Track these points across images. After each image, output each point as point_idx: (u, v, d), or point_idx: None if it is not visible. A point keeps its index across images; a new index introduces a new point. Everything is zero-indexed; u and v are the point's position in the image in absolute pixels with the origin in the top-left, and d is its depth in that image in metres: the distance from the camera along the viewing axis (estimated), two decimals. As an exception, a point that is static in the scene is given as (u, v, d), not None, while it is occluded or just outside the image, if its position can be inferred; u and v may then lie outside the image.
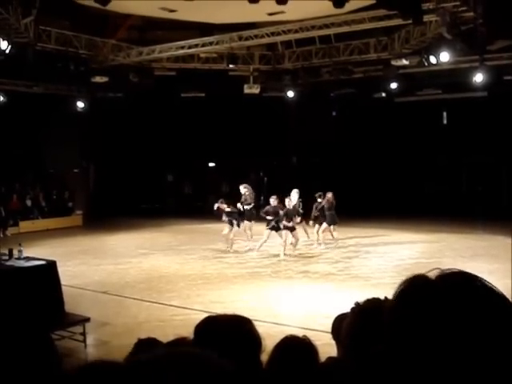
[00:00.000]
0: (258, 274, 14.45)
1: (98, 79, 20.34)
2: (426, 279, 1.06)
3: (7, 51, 14.06)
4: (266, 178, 30.26)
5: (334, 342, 3.10)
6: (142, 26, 19.75)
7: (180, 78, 21.83)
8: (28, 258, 9.68)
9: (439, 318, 0.97)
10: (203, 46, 18.39)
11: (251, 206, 17.89)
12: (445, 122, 27.21)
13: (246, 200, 17.86)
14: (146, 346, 3.06)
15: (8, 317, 7.52)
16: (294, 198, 16.97)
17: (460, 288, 1.01)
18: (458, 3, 13.77)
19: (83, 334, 8.75)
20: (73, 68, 19.10)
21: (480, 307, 0.98)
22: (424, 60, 16.73)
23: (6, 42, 13.74)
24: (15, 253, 9.63)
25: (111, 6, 15.07)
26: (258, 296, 12.07)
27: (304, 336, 2.85)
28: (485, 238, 18.79)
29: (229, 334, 2.13)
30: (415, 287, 1.06)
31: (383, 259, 15.87)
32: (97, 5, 14.62)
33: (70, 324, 8.92)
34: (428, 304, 1.00)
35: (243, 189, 18.18)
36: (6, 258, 9.53)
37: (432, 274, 1.07)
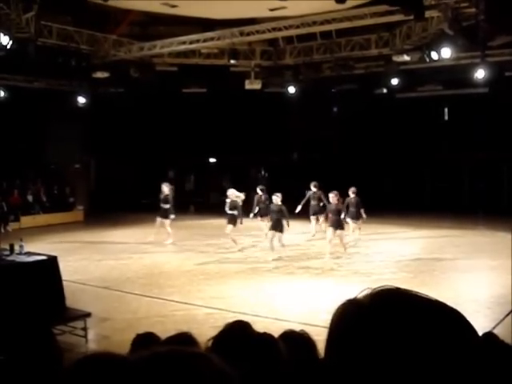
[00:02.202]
0: (258, 269, 14.46)
1: (99, 74, 20.31)
2: (356, 302, 1.05)
3: (8, 46, 14.04)
4: (266, 174, 30.30)
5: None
6: (144, 21, 19.70)
7: (181, 74, 21.81)
8: (29, 253, 9.69)
9: (371, 339, 0.97)
10: (204, 41, 18.36)
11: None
12: (446, 118, 27.20)
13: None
14: (144, 341, 3.07)
15: (10, 312, 7.55)
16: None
17: (389, 305, 1.01)
18: (459, -1, 13.76)
19: (84, 328, 8.78)
20: (74, 63, 19.07)
21: (411, 322, 0.97)
22: (425, 56, 16.69)
23: (7, 37, 13.72)
24: (16, 248, 9.65)
25: (112, 2, 15.07)
26: (258, 292, 12.09)
27: (302, 330, 2.85)
28: (486, 234, 18.81)
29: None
30: (346, 313, 1.06)
31: (384, 255, 15.88)
32: (98, 0, 14.62)
33: (71, 319, 8.94)
34: (358, 327, 1.00)
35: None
36: (8, 253, 9.54)
37: (363, 295, 1.06)
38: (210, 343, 2.01)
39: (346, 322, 1.02)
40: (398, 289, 1.04)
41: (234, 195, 16.92)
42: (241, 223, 16.89)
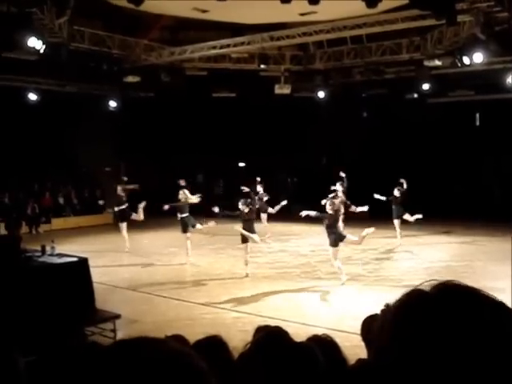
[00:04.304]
0: (286, 274, 14.43)
1: (130, 79, 20.54)
2: (421, 292, 1.05)
3: (41, 51, 14.26)
4: (295, 179, 30.23)
5: (363, 344, 3.09)
6: (174, 26, 19.87)
7: (211, 78, 21.93)
8: (60, 255, 9.80)
9: (437, 330, 0.97)
10: (235, 46, 18.45)
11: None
12: (478, 123, 26.86)
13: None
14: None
15: (41, 312, 7.65)
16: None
17: (455, 298, 1.01)
18: (492, 3, 13.62)
19: (114, 330, 8.84)
20: (105, 67, 19.32)
21: (478, 317, 0.98)
22: (457, 61, 16.54)
23: (40, 42, 13.94)
24: (48, 249, 9.76)
25: (144, 7, 15.20)
26: (286, 296, 12.07)
27: (325, 334, 2.84)
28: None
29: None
30: (411, 301, 1.06)
31: (413, 261, 15.73)
32: (130, 5, 14.77)
33: (100, 320, 9.02)
34: (423, 317, 1.00)
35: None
36: (39, 254, 9.66)
37: (428, 286, 1.07)
38: (246, 348, 2.01)
39: (410, 311, 1.02)
40: (463, 284, 1.05)
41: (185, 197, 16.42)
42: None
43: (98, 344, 2.19)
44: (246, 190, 17.44)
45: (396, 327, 1.03)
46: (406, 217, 18.29)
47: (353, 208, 18.41)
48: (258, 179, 20.08)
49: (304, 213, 13.80)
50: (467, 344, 0.94)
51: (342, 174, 19.14)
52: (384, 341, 1.04)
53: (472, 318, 0.96)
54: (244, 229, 14.11)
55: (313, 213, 13.56)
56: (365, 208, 17.97)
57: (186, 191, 16.60)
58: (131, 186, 18.88)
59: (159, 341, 1.07)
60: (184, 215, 16.25)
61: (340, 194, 18.77)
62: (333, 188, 18.90)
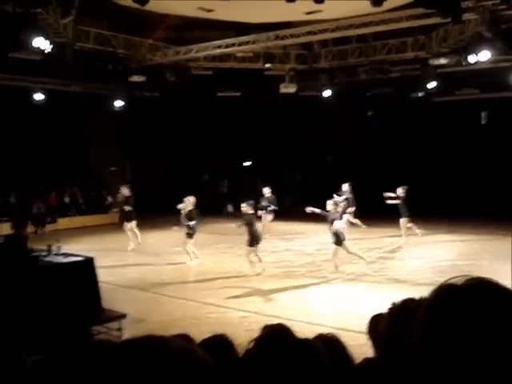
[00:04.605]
0: (292, 273, 14.44)
1: (135, 78, 20.54)
2: (453, 286, 1.06)
3: (46, 50, 14.28)
4: (300, 178, 30.20)
5: (369, 343, 3.09)
6: (179, 25, 19.86)
7: (216, 78, 21.92)
8: (66, 254, 9.82)
9: (471, 322, 0.97)
10: (240, 45, 18.43)
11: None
12: (483, 121, 26.77)
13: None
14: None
15: (47, 312, 7.66)
16: None
17: (486, 292, 1.02)
18: (497, 1, 13.56)
19: (119, 329, 8.86)
20: (111, 67, 19.33)
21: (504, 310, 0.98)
22: (462, 59, 16.48)
23: (45, 42, 13.94)
24: (54, 249, 9.79)
25: (149, 6, 15.20)
26: (291, 295, 12.07)
27: (331, 333, 2.83)
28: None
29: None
30: (443, 296, 1.06)
31: (419, 260, 15.69)
32: (135, 5, 14.78)
33: (106, 320, 9.05)
34: (456, 310, 1.00)
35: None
36: (45, 253, 9.68)
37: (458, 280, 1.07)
38: (250, 345, 2.02)
39: (443, 304, 1.03)
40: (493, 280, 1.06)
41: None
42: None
43: (105, 342, 2.19)
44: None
45: (432, 322, 1.03)
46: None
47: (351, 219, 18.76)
48: (263, 183, 20.22)
49: (309, 209, 14.00)
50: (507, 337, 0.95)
51: (345, 188, 19.33)
52: (419, 335, 1.05)
53: (506, 311, 0.97)
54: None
55: (318, 210, 13.82)
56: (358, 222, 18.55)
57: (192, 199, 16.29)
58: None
59: (165, 339, 1.07)
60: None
61: (348, 194, 18.89)
62: (342, 189, 19.02)
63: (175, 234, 20.20)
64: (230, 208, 14.73)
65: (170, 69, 20.69)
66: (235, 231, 15.54)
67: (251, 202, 14.52)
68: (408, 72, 20.86)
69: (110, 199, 26.17)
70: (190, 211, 15.85)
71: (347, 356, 2.66)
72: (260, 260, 14.37)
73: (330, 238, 13.95)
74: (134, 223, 18.32)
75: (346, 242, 13.84)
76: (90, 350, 1.82)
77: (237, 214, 16.15)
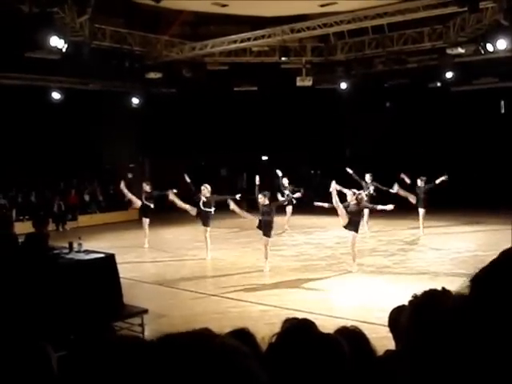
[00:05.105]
0: (312, 266, 14.43)
1: (152, 75, 20.61)
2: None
3: (63, 50, 14.37)
4: (318, 172, 30.13)
5: (391, 335, 3.09)
6: (195, 21, 19.89)
7: (232, 72, 21.93)
8: (87, 251, 9.88)
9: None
10: (255, 39, 18.40)
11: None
12: (503, 111, 26.51)
13: None
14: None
15: (70, 308, 7.74)
16: None
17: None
18: (515, -11, 13.41)
19: (141, 325, 8.92)
20: (127, 65, 19.42)
21: None
22: (480, 48, 16.30)
23: (62, 41, 14.03)
24: (75, 246, 9.86)
25: (164, 3, 15.27)
26: (312, 289, 12.07)
27: (353, 326, 2.84)
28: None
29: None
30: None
31: (440, 252, 15.61)
32: (150, 2, 14.84)
33: (128, 315, 9.11)
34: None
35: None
36: (67, 251, 9.76)
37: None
38: (273, 339, 2.03)
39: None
40: None
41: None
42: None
43: (138, 338, 2.21)
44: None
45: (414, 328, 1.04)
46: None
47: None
48: (280, 173, 20.05)
49: (318, 204, 14.02)
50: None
51: (368, 179, 19.12)
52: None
53: None
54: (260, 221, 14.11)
55: (326, 204, 13.78)
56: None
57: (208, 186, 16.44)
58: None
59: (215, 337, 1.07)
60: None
61: (370, 186, 18.68)
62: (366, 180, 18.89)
63: (194, 229, 20.27)
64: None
65: (186, 65, 20.74)
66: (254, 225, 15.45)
67: (266, 192, 14.36)
68: (425, 62, 20.70)
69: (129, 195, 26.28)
70: (208, 198, 16.06)
71: (370, 349, 2.66)
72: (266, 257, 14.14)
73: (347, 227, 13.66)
74: (148, 221, 18.31)
75: (358, 236, 13.85)
76: (118, 345, 1.83)
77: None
